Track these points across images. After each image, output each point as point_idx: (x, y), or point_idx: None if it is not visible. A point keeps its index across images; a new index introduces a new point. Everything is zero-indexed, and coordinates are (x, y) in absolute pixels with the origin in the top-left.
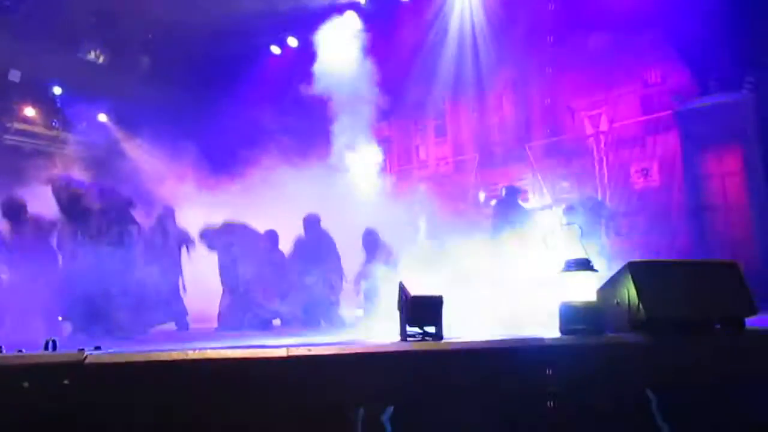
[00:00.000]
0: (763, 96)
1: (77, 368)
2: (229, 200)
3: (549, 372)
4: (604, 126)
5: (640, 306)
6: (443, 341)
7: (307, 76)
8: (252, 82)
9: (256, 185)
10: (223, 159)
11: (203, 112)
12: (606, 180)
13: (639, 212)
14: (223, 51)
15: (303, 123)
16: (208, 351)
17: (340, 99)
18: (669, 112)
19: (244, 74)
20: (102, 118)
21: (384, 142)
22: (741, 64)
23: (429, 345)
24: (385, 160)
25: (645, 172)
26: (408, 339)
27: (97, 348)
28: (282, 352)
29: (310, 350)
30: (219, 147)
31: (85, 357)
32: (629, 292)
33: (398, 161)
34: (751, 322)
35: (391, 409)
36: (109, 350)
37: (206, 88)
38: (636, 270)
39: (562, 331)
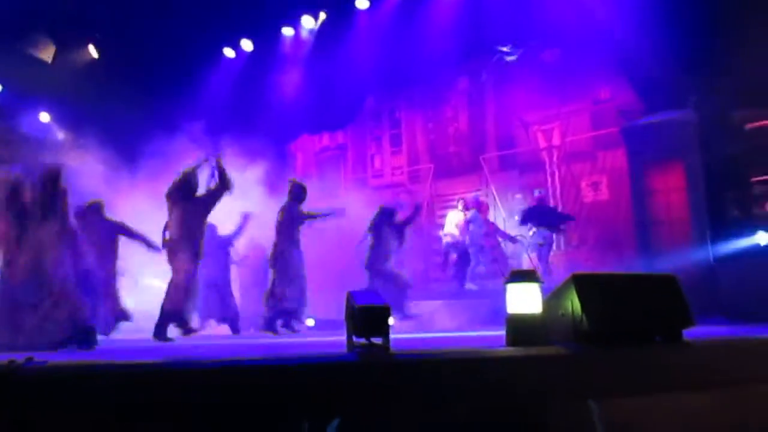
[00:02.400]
0: (704, 115)
1: (7, 380)
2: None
3: (494, 383)
4: (556, 140)
5: (584, 317)
6: (390, 352)
7: (261, 81)
8: (204, 85)
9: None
10: (168, 163)
11: (151, 114)
12: (558, 193)
13: (589, 225)
14: (175, 52)
15: (258, 132)
16: (140, 361)
17: (293, 105)
18: (617, 128)
19: (196, 76)
20: (44, 117)
21: (339, 149)
22: (684, 83)
23: (375, 356)
24: (340, 168)
25: (595, 186)
26: (355, 350)
27: (29, 359)
28: (215, 362)
29: (245, 360)
30: (164, 150)
31: (16, 368)
32: (573, 303)
33: (353, 169)
34: (691, 332)
35: (336, 422)
36: (42, 360)
37: (154, 90)
38: (580, 282)
39: (507, 342)
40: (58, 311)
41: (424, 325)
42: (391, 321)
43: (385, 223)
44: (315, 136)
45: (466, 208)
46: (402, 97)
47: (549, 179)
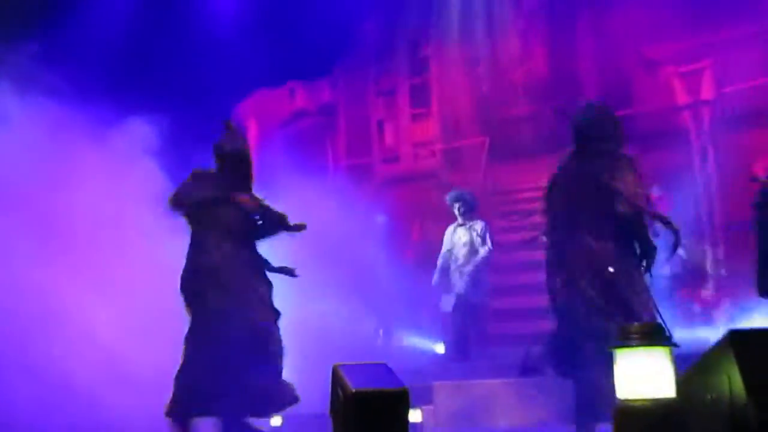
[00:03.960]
0: None
1: None
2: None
3: None
4: (707, 92)
5: (750, 404)
6: None
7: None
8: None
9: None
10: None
11: None
12: (713, 184)
13: None
14: None
15: (173, 83)
16: None
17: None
18: None
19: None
20: None
21: (323, 114)
22: None
23: None
24: (324, 147)
25: None
26: None
27: None
28: None
29: None
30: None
31: None
32: (731, 379)
33: (347, 148)
34: None
35: None
36: None
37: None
38: (742, 343)
39: None
40: None
41: (473, 415)
42: (416, 416)
43: None
44: (281, 91)
45: (469, 212)
46: (430, 21)
47: (696, 160)
